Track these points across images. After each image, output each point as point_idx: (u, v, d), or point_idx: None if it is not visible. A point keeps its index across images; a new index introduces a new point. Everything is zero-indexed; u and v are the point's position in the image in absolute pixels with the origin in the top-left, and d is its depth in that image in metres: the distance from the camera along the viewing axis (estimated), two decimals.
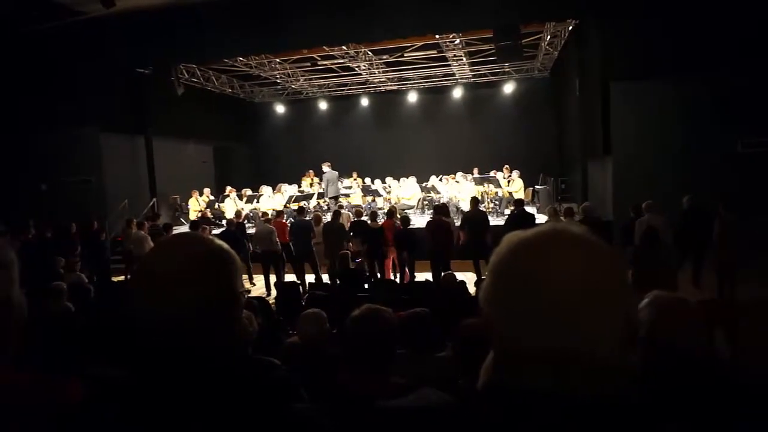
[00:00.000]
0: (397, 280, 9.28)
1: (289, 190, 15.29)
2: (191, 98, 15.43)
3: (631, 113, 10.32)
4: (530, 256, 0.70)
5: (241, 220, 10.79)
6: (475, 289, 8.19)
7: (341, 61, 15.64)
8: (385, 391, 1.79)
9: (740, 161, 9.69)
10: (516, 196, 13.01)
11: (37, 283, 5.49)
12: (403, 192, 14.68)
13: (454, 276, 6.97)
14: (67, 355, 3.10)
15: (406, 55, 15.61)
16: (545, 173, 15.65)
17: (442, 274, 7.00)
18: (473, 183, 14.13)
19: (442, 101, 19.78)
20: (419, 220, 11.71)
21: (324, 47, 13.62)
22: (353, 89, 19.85)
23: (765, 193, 9.03)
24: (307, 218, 10.16)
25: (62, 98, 12.56)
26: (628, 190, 9.73)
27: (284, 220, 10.94)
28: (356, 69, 16.63)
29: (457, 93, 19.34)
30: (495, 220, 11.68)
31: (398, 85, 19.43)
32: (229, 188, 15.35)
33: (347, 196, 15.03)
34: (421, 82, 19.25)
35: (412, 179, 14.92)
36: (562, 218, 8.72)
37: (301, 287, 8.79)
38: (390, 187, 15.29)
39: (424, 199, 14.27)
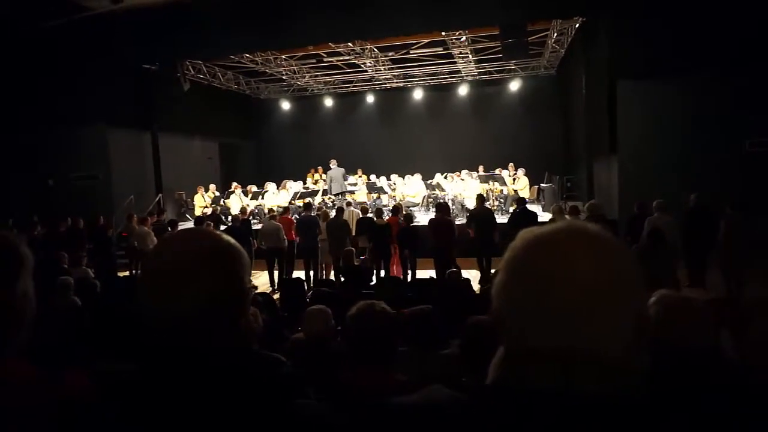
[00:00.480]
0: (402, 277, 9.29)
1: (294, 186, 15.30)
2: (197, 94, 15.46)
3: (637, 112, 10.27)
4: (545, 252, 0.69)
5: (246, 217, 10.81)
6: (479, 286, 8.20)
7: (347, 57, 15.63)
8: (390, 387, 1.79)
9: (747, 161, 9.63)
10: (521, 194, 12.99)
11: (44, 278, 5.53)
12: (408, 189, 14.67)
13: (459, 273, 6.98)
14: (74, 349, 3.12)
15: (411, 52, 15.58)
16: (550, 171, 15.59)
17: (447, 272, 7.00)
18: (478, 181, 14.10)
19: (447, 99, 19.73)
20: (424, 218, 11.70)
21: (330, 44, 13.62)
22: (359, 86, 19.83)
23: None
24: (313, 214, 10.16)
25: (69, 94, 12.61)
26: (633, 189, 9.69)
27: (290, 217, 10.96)
28: (362, 66, 16.61)
29: (463, 90, 19.29)
30: (500, 218, 11.65)
31: (404, 82, 19.40)
32: (234, 184, 15.37)
33: (352, 193, 15.03)
34: (426, 80, 19.20)
35: (417, 177, 14.91)
36: (567, 216, 8.70)
37: (306, 284, 8.81)
38: (395, 184, 15.27)
39: (429, 197, 14.25)
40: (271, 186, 14.79)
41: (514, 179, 14.34)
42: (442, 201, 11.55)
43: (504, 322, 0.71)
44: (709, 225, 7.53)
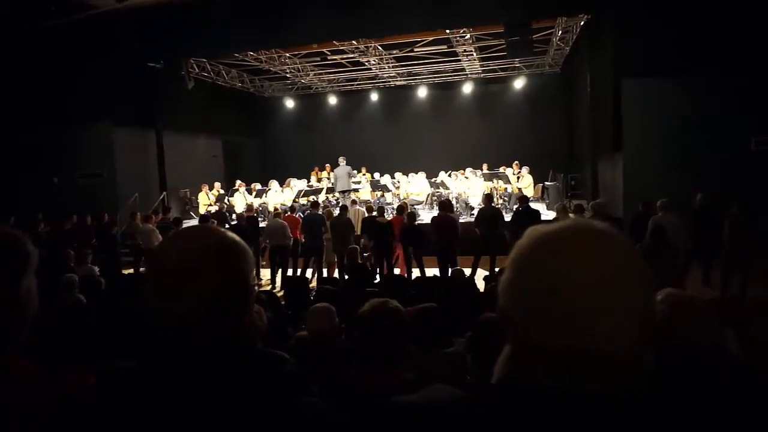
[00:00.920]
0: (405, 275, 9.28)
1: (298, 184, 15.31)
2: (201, 93, 15.49)
3: (642, 110, 10.23)
4: (552, 250, 0.69)
5: (252, 214, 10.83)
6: (484, 284, 8.19)
7: (351, 55, 15.62)
8: (394, 386, 1.80)
9: (753, 160, 9.58)
10: (525, 192, 12.95)
11: (49, 276, 5.55)
12: (411, 188, 14.66)
13: (462, 272, 6.97)
14: (78, 347, 3.13)
15: (416, 50, 15.55)
16: (555, 170, 15.55)
17: (450, 270, 7.00)
18: (482, 179, 14.07)
19: (451, 97, 19.70)
20: (428, 216, 11.69)
21: (334, 42, 13.61)
22: (363, 84, 19.82)
23: None
24: (320, 212, 10.17)
25: (74, 93, 12.66)
26: (638, 188, 9.66)
27: (296, 215, 10.96)
28: (366, 64, 16.60)
29: (467, 88, 19.25)
30: (504, 216, 11.63)
31: (408, 80, 19.37)
32: (238, 182, 15.39)
33: (356, 191, 15.02)
34: (430, 78, 19.17)
35: (421, 175, 14.89)
36: (571, 215, 8.67)
37: (310, 282, 8.83)
38: (399, 182, 15.26)
39: (432, 195, 14.23)
40: (274, 184, 14.81)
41: (518, 177, 14.30)
42: (444, 199, 11.53)
43: (510, 319, 0.71)
44: (715, 225, 7.50)
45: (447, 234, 9.02)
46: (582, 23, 12.79)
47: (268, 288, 9.58)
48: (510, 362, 0.73)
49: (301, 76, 18.38)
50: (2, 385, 0.96)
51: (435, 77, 19.10)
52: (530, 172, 14.22)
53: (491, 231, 9.14)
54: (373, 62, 16.42)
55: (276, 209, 11.16)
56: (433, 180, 14.57)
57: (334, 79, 19.45)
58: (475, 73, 18.52)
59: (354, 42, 14.09)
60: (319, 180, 16.70)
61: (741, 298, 6.80)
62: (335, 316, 3.26)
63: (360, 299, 2.16)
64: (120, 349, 2.75)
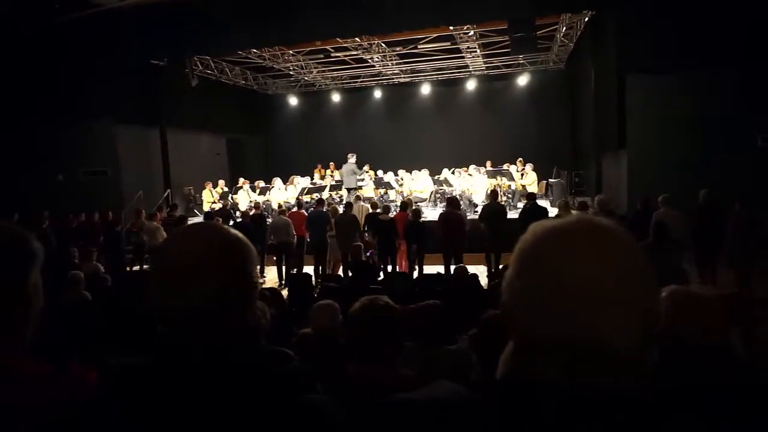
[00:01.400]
0: (409, 272, 9.28)
1: (302, 182, 15.32)
2: (205, 90, 15.50)
3: (646, 106, 10.18)
4: (555, 245, 0.69)
5: (260, 212, 10.85)
6: (487, 281, 8.19)
7: (354, 53, 15.61)
8: (396, 383, 1.80)
9: (759, 157, 9.52)
10: (529, 189, 12.92)
11: (55, 273, 5.57)
12: (415, 185, 14.65)
13: (466, 269, 6.97)
14: (84, 343, 3.15)
15: (419, 47, 15.53)
16: (559, 166, 15.50)
17: (452, 267, 6.99)
18: (486, 176, 14.05)
19: (455, 93, 19.66)
20: (432, 213, 11.68)
21: (337, 39, 13.59)
22: (366, 81, 19.80)
23: None
24: (325, 210, 10.19)
25: (78, 91, 12.69)
26: (642, 185, 9.62)
27: (303, 212, 10.97)
28: (369, 61, 16.57)
29: (471, 85, 19.20)
30: (508, 214, 11.61)
31: (411, 77, 19.33)
32: (242, 180, 15.42)
33: (360, 188, 15.03)
34: (434, 74, 19.14)
35: (425, 172, 14.88)
36: (573, 212, 8.65)
37: (314, 279, 8.84)
38: (402, 179, 15.25)
39: (436, 192, 14.22)
40: (278, 181, 14.82)
41: (522, 174, 14.26)
42: (451, 196, 11.53)
43: (513, 315, 0.71)
44: (719, 221, 7.46)
45: (454, 231, 9.01)
46: (586, 19, 12.73)
47: (272, 285, 9.60)
48: (513, 358, 0.73)
49: (304, 74, 18.38)
50: (6, 382, 0.96)
51: (438, 74, 19.06)
52: (534, 169, 14.18)
53: (497, 227, 9.14)
54: (377, 59, 16.40)
55: (280, 206, 11.17)
56: (436, 177, 14.56)
57: (338, 76, 19.43)
58: (479, 70, 18.46)
59: (357, 39, 14.06)
60: (322, 177, 16.71)
61: (746, 296, 6.77)
62: (339, 314, 3.27)
63: (363, 296, 2.16)
64: (125, 345, 2.76)
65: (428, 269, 9.18)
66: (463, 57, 16.53)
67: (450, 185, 14.02)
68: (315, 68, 18.04)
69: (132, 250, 10.88)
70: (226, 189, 15.29)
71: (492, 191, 10.25)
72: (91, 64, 12.33)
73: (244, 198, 14.28)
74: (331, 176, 16.56)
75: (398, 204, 11.71)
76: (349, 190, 13.87)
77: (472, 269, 7.38)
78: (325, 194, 14.26)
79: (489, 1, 10.40)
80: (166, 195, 14.54)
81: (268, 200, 14.07)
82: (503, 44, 14.52)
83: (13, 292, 1.00)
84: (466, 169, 14.97)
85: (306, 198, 13.51)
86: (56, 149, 13.15)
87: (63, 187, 13.22)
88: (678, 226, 6.95)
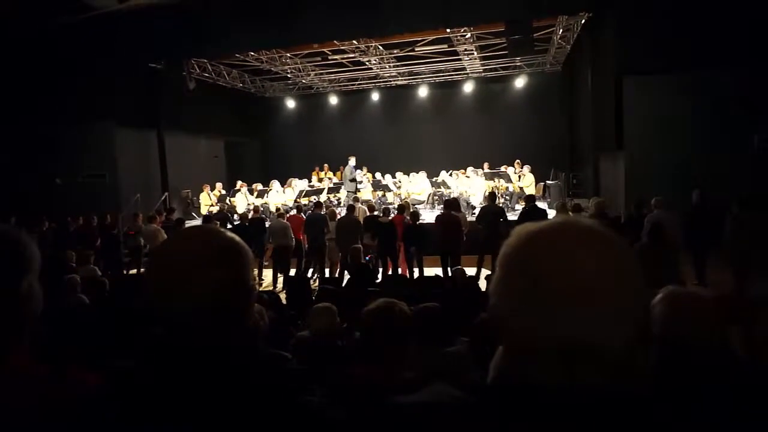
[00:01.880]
0: (408, 275, 9.28)
1: (300, 184, 15.32)
2: (202, 93, 15.50)
3: (644, 108, 10.21)
4: (540, 248, 0.69)
5: (259, 215, 10.85)
6: (486, 283, 8.19)
7: (352, 55, 15.61)
8: (395, 385, 1.79)
9: (756, 158, 9.55)
10: (527, 191, 12.95)
11: (51, 276, 5.56)
12: (413, 187, 14.66)
13: (464, 271, 6.97)
14: (81, 346, 3.14)
15: (416, 49, 15.54)
16: (556, 168, 15.54)
17: (449, 269, 6.99)
18: (484, 178, 14.06)
19: (452, 96, 19.69)
20: (429, 215, 11.68)
21: (335, 42, 13.60)
22: (364, 84, 19.81)
23: None
24: (322, 212, 10.19)
25: (76, 93, 12.69)
26: (639, 186, 9.64)
27: (301, 216, 10.97)
28: (367, 63, 16.59)
29: (468, 87, 19.23)
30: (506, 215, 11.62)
31: (409, 79, 19.35)
32: (240, 183, 15.41)
33: (358, 191, 15.04)
34: (431, 77, 19.16)
35: (423, 174, 14.88)
36: (569, 213, 8.67)
37: (310, 282, 8.84)
38: (400, 182, 15.26)
39: (434, 194, 14.23)
40: (275, 184, 14.82)
41: (519, 176, 14.29)
42: (450, 197, 11.55)
43: (501, 318, 0.71)
44: (711, 222, 7.48)
45: (451, 233, 9.02)
46: (583, 21, 12.76)
47: (270, 288, 9.59)
48: (503, 361, 0.73)
49: (302, 76, 18.38)
50: (5, 385, 0.96)
51: (436, 76, 19.09)
52: (532, 171, 14.21)
53: (494, 229, 9.15)
54: (374, 62, 16.41)
55: (278, 209, 11.17)
56: (434, 179, 14.57)
57: (335, 78, 19.44)
58: (476, 72, 18.49)
59: (355, 42, 14.08)
60: (320, 180, 16.70)
61: (744, 296, 6.78)
62: (337, 316, 3.26)
63: (361, 299, 2.16)
64: (122, 348, 2.75)
65: (427, 271, 9.18)
66: (460, 59, 16.56)
67: (448, 187, 14.03)
68: (312, 71, 18.05)
69: (129, 254, 10.85)
70: (223, 192, 15.27)
71: (490, 193, 10.28)
72: (89, 68, 12.33)
73: (242, 201, 14.27)
74: (329, 179, 16.55)
75: (396, 206, 11.72)
76: (347, 192, 13.90)
77: (470, 271, 7.39)
78: (323, 197, 14.27)
79: (486, 4, 10.42)
80: (163, 198, 14.52)
81: (266, 203, 14.06)
82: (500, 46, 14.54)
83: (4, 295, 0.99)
84: (463, 171, 14.98)
85: (304, 201, 13.50)
86: (55, 152, 13.12)
87: (61, 189, 13.19)
88: (673, 227, 6.97)
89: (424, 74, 18.87)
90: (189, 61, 14.11)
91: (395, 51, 15.84)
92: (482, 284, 7.63)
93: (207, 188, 14.79)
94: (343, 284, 7.92)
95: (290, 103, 21.21)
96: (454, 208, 9.56)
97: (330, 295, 5.71)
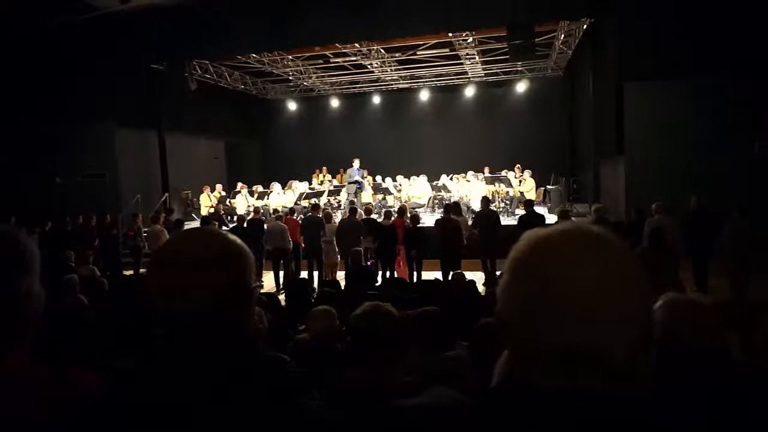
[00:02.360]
0: (407, 278, 9.27)
1: (300, 187, 15.33)
2: (204, 94, 15.52)
3: (644, 114, 10.23)
4: (549, 253, 0.70)
5: (258, 217, 10.86)
6: (484, 288, 8.19)
7: (353, 58, 15.64)
8: (394, 389, 1.79)
9: (757, 163, 9.55)
10: (527, 196, 12.94)
11: (50, 276, 5.55)
12: (413, 190, 14.66)
13: (464, 275, 6.96)
14: (80, 347, 3.13)
15: (418, 53, 15.58)
16: (557, 173, 15.55)
17: (450, 273, 6.99)
18: (484, 182, 14.07)
19: (454, 100, 19.72)
20: (429, 219, 11.69)
21: (337, 45, 13.63)
22: (365, 87, 19.84)
23: None
24: (319, 215, 10.19)
25: (78, 93, 12.71)
26: (640, 191, 9.65)
27: (296, 218, 10.98)
28: (368, 67, 16.62)
29: (470, 91, 19.26)
30: (506, 220, 11.64)
31: (410, 83, 19.39)
32: (240, 184, 15.41)
33: (357, 195, 15.03)
34: (433, 81, 19.20)
35: (423, 178, 14.89)
36: (573, 218, 8.68)
37: (309, 284, 8.81)
38: (401, 185, 15.27)
39: (434, 198, 14.24)
40: (276, 186, 14.82)
41: (520, 181, 14.29)
42: (451, 202, 11.56)
43: (508, 322, 0.71)
44: (710, 227, 7.48)
45: (450, 237, 9.02)
46: (584, 27, 12.80)
47: (272, 290, 9.58)
48: (509, 365, 0.73)
49: (303, 79, 18.42)
50: (4, 386, 0.96)
51: (437, 80, 19.12)
52: (532, 176, 14.22)
53: (489, 234, 9.17)
54: (376, 65, 16.44)
55: (276, 212, 11.17)
56: (434, 183, 14.58)
57: (337, 81, 19.47)
58: (478, 77, 18.53)
59: (356, 45, 14.11)
60: (320, 182, 16.70)
61: (744, 302, 6.78)
62: (336, 319, 3.26)
63: (361, 302, 2.16)
64: (121, 349, 2.75)
65: (427, 275, 9.18)
66: (461, 63, 16.59)
67: (448, 191, 14.04)
68: (314, 73, 18.09)
69: (129, 254, 10.85)
70: (224, 193, 15.28)
71: (484, 198, 10.27)
72: (90, 68, 12.35)
73: (242, 202, 14.28)
74: (330, 182, 16.56)
75: (396, 210, 11.72)
76: (348, 194, 13.91)
77: (470, 276, 7.37)
78: (323, 199, 14.28)
79: (488, 9, 10.44)
80: (163, 199, 14.52)
81: (266, 205, 14.07)
82: (502, 51, 14.58)
83: (4, 296, 0.99)
84: (464, 175, 14.99)
85: (304, 203, 13.50)
86: (55, 152, 13.13)
87: (61, 189, 13.19)
88: (673, 232, 6.97)
89: (426, 78, 18.91)
90: (190, 62, 14.14)
91: (397, 54, 15.87)
92: (480, 289, 7.62)
93: (207, 189, 14.80)
94: (343, 287, 7.91)
95: (291, 106, 21.24)
96: (454, 212, 9.56)
97: (329, 297, 5.71)
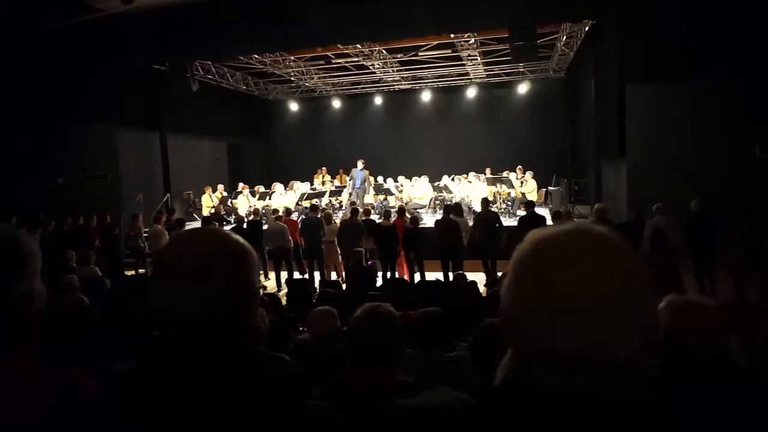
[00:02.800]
0: (408, 278, 9.27)
1: (302, 187, 15.33)
2: (206, 95, 15.53)
3: (646, 115, 10.21)
4: (553, 253, 0.70)
5: (258, 217, 10.86)
6: (485, 289, 8.19)
7: (355, 59, 15.65)
8: (396, 389, 1.79)
9: (758, 165, 9.54)
10: (529, 197, 12.94)
11: (51, 277, 5.56)
12: (415, 191, 14.66)
13: (465, 276, 6.96)
14: (82, 348, 3.13)
15: (420, 54, 15.58)
16: (559, 174, 15.54)
17: (451, 274, 6.99)
18: (486, 183, 14.06)
19: (455, 101, 19.72)
20: (431, 220, 11.69)
21: (338, 45, 13.64)
22: (367, 88, 19.85)
23: None
24: (318, 215, 10.20)
25: (80, 94, 12.72)
26: (642, 193, 9.63)
27: (295, 219, 10.98)
28: (370, 67, 16.63)
29: (471, 93, 19.26)
30: (507, 221, 11.63)
31: (412, 84, 19.39)
32: (241, 185, 15.42)
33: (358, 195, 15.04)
34: (434, 82, 19.20)
35: (425, 179, 14.89)
36: (575, 219, 8.67)
37: (310, 285, 8.82)
38: (402, 186, 15.27)
39: (436, 199, 14.23)
40: (278, 187, 14.83)
41: (521, 182, 14.29)
42: (451, 203, 11.55)
43: (511, 322, 0.71)
44: (711, 229, 7.48)
45: (450, 238, 9.02)
46: (587, 28, 12.79)
47: (273, 291, 9.58)
48: (512, 365, 0.73)
49: (305, 79, 18.43)
50: (5, 386, 0.95)
51: (439, 81, 19.12)
52: (534, 177, 14.21)
53: (489, 235, 9.18)
54: (378, 66, 16.44)
55: (276, 212, 11.18)
56: (436, 184, 14.57)
57: (339, 82, 19.48)
58: (480, 78, 18.53)
59: (358, 46, 14.12)
60: (322, 183, 16.71)
61: (745, 305, 6.76)
62: (337, 320, 3.26)
63: (362, 302, 2.16)
64: (122, 350, 2.74)
65: (428, 276, 9.17)
66: (463, 64, 16.59)
67: (450, 192, 14.04)
68: (316, 74, 18.09)
69: (131, 255, 10.85)
70: (225, 194, 15.29)
71: (483, 199, 10.27)
72: (92, 68, 12.36)
73: (244, 203, 14.28)
74: (331, 182, 16.56)
75: (397, 210, 11.73)
76: (349, 194, 13.92)
77: (470, 276, 7.37)
78: (325, 199, 14.29)
79: (490, 10, 10.44)
80: (165, 199, 14.54)
81: (267, 205, 14.07)
82: (504, 52, 14.57)
83: (4, 296, 0.99)
84: (465, 176, 14.98)
85: (305, 203, 13.51)
86: (57, 152, 13.15)
87: (63, 190, 13.21)
88: (674, 234, 6.96)
89: (428, 79, 18.91)
90: (192, 62, 14.16)
91: (399, 55, 15.87)
92: (482, 290, 7.62)
93: (209, 190, 14.80)
94: (344, 287, 7.92)
95: (293, 106, 21.25)
96: (454, 212, 9.56)
97: (330, 298, 5.71)
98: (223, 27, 11.33)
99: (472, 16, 10.62)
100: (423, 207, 14.08)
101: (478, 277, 8.73)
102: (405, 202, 13.92)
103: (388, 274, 9.32)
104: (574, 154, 17.55)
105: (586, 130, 14.87)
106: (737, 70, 9.45)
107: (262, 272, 10.57)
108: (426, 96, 19.74)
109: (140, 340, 2.81)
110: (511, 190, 13.86)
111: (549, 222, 10.07)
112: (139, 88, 14.06)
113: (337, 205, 14.31)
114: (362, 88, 19.83)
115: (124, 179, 13.57)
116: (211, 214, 13.45)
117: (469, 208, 12.97)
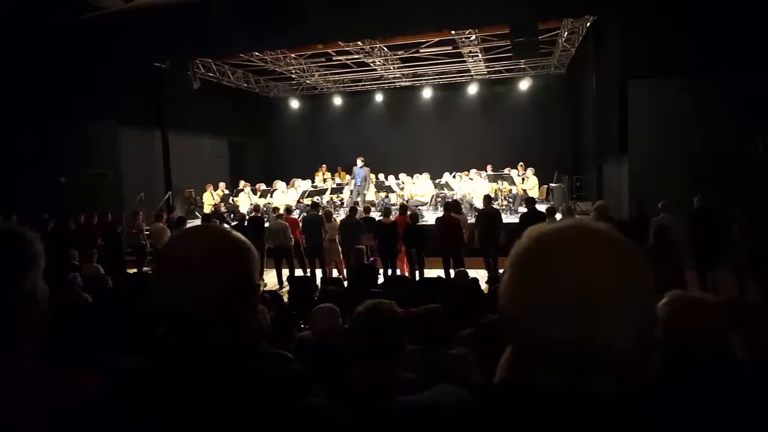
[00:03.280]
0: (409, 276, 9.28)
1: (303, 185, 15.33)
2: (207, 93, 15.52)
3: (648, 111, 10.19)
4: (552, 249, 0.69)
5: (258, 215, 10.86)
6: (486, 286, 8.19)
7: (356, 56, 15.63)
8: (398, 387, 1.79)
9: (761, 162, 9.51)
10: (530, 193, 12.92)
11: (54, 275, 5.57)
12: (416, 188, 14.65)
13: (466, 273, 6.96)
14: (85, 346, 3.14)
15: (421, 51, 15.55)
16: (560, 171, 15.51)
17: (452, 271, 6.99)
18: (487, 180, 14.04)
19: (456, 97, 19.68)
20: (432, 217, 11.69)
21: (339, 43, 13.63)
22: (368, 85, 19.83)
23: None
24: (319, 213, 10.20)
25: (81, 92, 12.73)
26: (643, 190, 9.62)
27: (296, 217, 10.99)
28: (371, 65, 16.60)
29: (472, 89, 19.22)
30: (509, 218, 11.62)
31: (413, 81, 19.36)
32: (243, 183, 15.42)
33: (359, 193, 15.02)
34: (436, 79, 19.16)
35: (426, 176, 14.87)
36: (558, 215, 8.69)
37: (311, 282, 8.83)
38: (403, 183, 15.25)
39: (437, 196, 14.22)
40: (280, 184, 14.82)
41: (523, 179, 14.26)
42: (451, 200, 11.54)
43: (511, 319, 0.71)
44: (713, 226, 7.47)
45: (451, 235, 9.02)
46: (588, 24, 12.76)
47: (275, 288, 9.60)
48: (512, 362, 0.73)
49: (306, 77, 18.41)
50: (6, 385, 0.96)
51: (440, 78, 19.08)
52: (535, 174, 14.18)
53: (490, 232, 9.17)
54: (379, 63, 16.42)
55: (276, 210, 11.19)
56: (437, 181, 14.56)
57: (340, 79, 19.46)
58: (481, 74, 18.49)
59: (359, 43, 14.10)
60: (324, 180, 16.71)
61: (748, 302, 6.75)
62: (339, 317, 3.26)
63: (364, 300, 2.16)
64: (125, 347, 2.76)
65: (430, 273, 9.18)
66: (464, 61, 16.55)
67: (451, 189, 14.03)
68: (317, 71, 18.08)
69: (133, 252, 10.87)
70: (227, 191, 15.29)
71: (486, 196, 10.27)
72: (93, 67, 12.37)
73: (245, 201, 14.28)
74: (332, 179, 16.56)
75: (398, 207, 11.73)
76: (350, 192, 13.91)
77: (472, 273, 7.38)
78: (326, 197, 14.28)
79: (491, 6, 10.42)
80: (167, 197, 14.55)
81: (269, 203, 14.07)
82: (505, 49, 14.54)
83: (5, 295, 0.99)
84: (467, 173, 14.96)
85: (306, 201, 13.51)
86: (58, 151, 13.17)
87: (65, 188, 13.22)
88: (677, 231, 6.96)
89: (429, 76, 18.88)
90: (193, 60, 14.15)
91: (400, 52, 15.85)
92: (483, 287, 7.62)
93: (210, 188, 14.80)
94: (345, 285, 7.93)
95: (294, 104, 21.24)
96: (454, 209, 9.56)
97: (332, 295, 5.72)
98: (224, 25, 11.31)
99: (473, 12, 10.59)
100: (424, 204, 14.08)
101: (480, 274, 8.73)
102: (406, 199, 13.91)
103: (389, 272, 9.33)
104: (576, 150, 17.51)
105: (587, 127, 14.85)
106: (740, 67, 9.41)
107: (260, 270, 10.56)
108: (427, 93, 19.71)
109: (143, 337, 2.82)
110: (513, 187, 13.85)
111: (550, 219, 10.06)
112: (141, 86, 14.05)
113: (339, 203, 14.31)
114: (363, 85, 19.81)
115: (126, 177, 13.58)
116: (212, 212, 13.45)
117: (471, 205, 12.96)
